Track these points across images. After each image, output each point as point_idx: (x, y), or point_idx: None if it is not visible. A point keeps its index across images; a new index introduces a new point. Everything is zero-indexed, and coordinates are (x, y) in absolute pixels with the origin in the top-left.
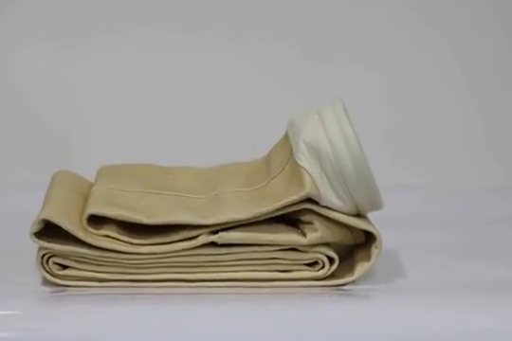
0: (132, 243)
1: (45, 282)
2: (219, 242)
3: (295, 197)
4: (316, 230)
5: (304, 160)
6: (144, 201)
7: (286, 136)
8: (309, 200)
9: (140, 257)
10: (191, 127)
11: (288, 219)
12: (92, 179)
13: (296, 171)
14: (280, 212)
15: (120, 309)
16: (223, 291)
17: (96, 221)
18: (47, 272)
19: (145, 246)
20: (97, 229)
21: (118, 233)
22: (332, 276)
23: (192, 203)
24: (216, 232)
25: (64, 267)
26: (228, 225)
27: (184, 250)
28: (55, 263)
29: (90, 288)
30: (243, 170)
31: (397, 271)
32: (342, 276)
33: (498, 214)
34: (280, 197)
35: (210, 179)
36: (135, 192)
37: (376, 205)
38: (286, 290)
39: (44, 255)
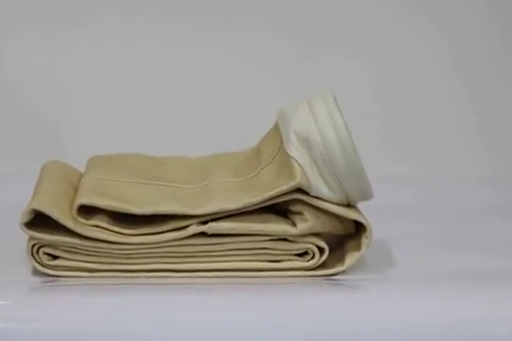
0: (122, 234)
1: (36, 273)
2: (209, 233)
3: (285, 187)
4: (306, 220)
5: (294, 150)
6: (134, 191)
7: (276, 126)
8: (299, 190)
9: (130, 247)
10: (181, 117)
11: (278, 209)
12: (82, 169)
13: (286, 162)
14: (270, 202)
15: (111, 299)
16: (213, 281)
17: (86, 211)
18: (38, 262)
19: (135, 236)
20: (87, 219)
21: (109, 223)
22: (322, 266)
23: (182, 193)
24: (206, 222)
25: (55, 257)
26: (217, 216)
27: (174, 240)
28: (45, 254)
29: (80, 278)
30: (233, 160)
31: (388, 261)
32: (333, 266)
33: (489, 204)
34: (270, 187)
35: (200, 169)
36: (125, 182)
37: (367, 195)
38: (276, 280)
39: (34, 245)
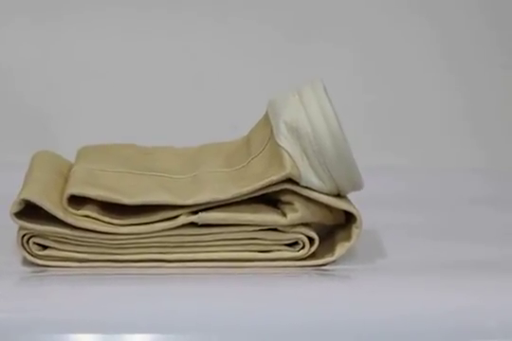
0: (112, 224)
1: (26, 263)
2: (199, 223)
3: (275, 177)
4: (296, 210)
5: (284, 140)
6: (125, 181)
7: (266, 116)
8: (289, 180)
9: (120, 237)
10: (171, 107)
11: (268, 199)
12: (73, 159)
13: (276, 152)
14: (260, 192)
15: (100, 289)
16: (203, 271)
17: (76, 201)
18: (28, 252)
19: (125, 227)
20: (77, 209)
21: (99, 213)
22: (312, 256)
23: (173, 183)
24: (196, 212)
25: (45, 247)
26: (207, 206)
27: (164, 230)
28: (35, 244)
29: (70, 268)
30: (223, 150)
31: (378, 251)
32: (322, 256)
33: (479, 195)
34: (260, 177)
35: (190, 159)
36: (115, 172)
37: (357, 185)
38: (267, 270)
39: (24, 235)
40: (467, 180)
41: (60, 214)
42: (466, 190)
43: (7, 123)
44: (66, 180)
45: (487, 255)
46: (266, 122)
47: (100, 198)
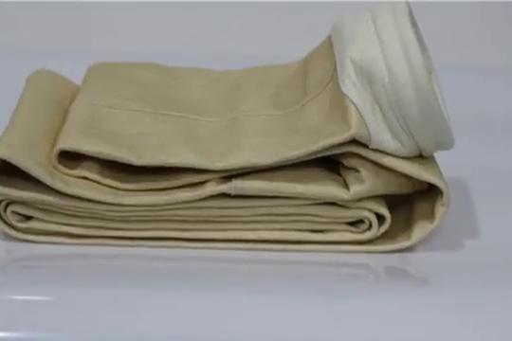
0: (117, 189)
1: (2, 237)
2: (232, 194)
3: (336, 139)
4: (362, 181)
5: (351, 86)
6: (137, 127)
7: (330, 42)
8: (355, 141)
9: (127, 209)
10: None
11: (327, 161)
12: None
13: (339, 100)
14: (314, 156)
15: (98, 280)
16: (233, 255)
17: (71, 156)
18: (5, 223)
19: (133, 196)
20: (71, 168)
21: (99, 174)
22: (381, 239)
23: (202, 129)
24: (229, 178)
25: (28, 218)
26: (244, 171)
27: (186, 202)
28: (15, 213)
29: (59, 245)
30: (272, 79)
31: (469, 232)
32: (394, 238)
33: None
34: (316, 134)
35: (227, 90)
36: (126, 111)
37: (444, 145)
38: (320, 257)
39: (0, 202)
40: None
41: (47, 178)
42: None
43: None
44: (65, 118)
45: None
46: (329, 50)
47: (101, 156)
